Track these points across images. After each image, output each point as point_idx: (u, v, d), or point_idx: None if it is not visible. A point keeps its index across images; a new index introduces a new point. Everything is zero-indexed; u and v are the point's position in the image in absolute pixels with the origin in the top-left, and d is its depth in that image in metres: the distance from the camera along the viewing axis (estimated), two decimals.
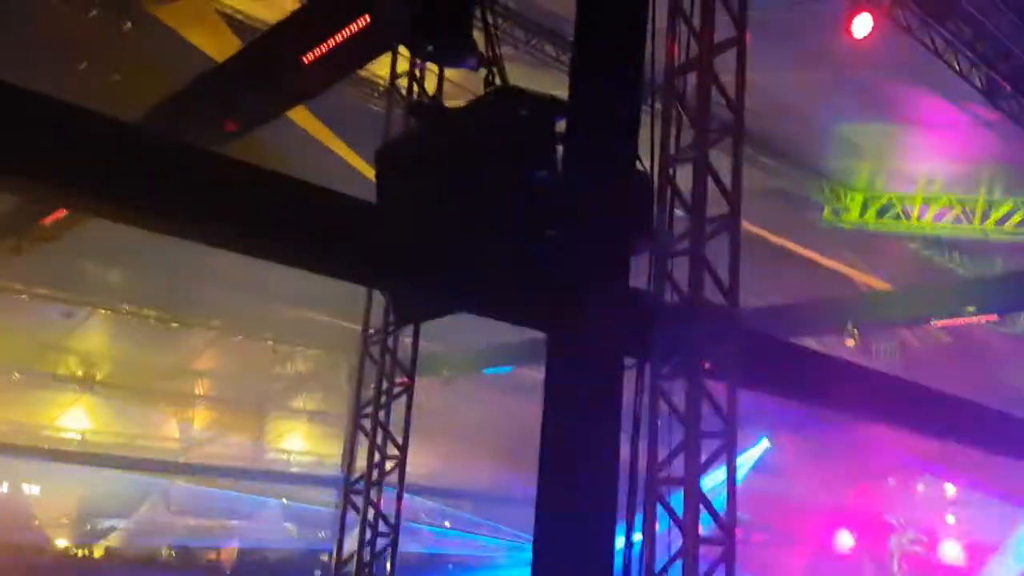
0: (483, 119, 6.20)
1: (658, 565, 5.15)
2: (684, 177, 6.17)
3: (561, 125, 5.80)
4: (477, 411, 18.22)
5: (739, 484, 5.75)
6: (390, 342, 8.00)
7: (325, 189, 5.83)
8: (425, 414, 16.57)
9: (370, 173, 6.17)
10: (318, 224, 5.60)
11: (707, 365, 5.34)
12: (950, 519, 18.07)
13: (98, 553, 16.60)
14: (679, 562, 5.13)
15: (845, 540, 18.13)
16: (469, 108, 6.25)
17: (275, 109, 8.48)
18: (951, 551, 17.57)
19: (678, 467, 5.25)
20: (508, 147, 6.09)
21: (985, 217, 12.76)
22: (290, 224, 5.56)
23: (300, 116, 10.02)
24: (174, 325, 16.21)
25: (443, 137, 6.34)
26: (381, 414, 7.94)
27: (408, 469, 7.83)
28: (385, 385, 7.94)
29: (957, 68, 9.03)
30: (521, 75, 6.43)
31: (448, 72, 8.10)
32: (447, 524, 20.64)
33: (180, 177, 5.29)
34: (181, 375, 18.29)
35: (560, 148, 5.96)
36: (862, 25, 8.40)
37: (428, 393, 15.64)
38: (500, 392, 16.84)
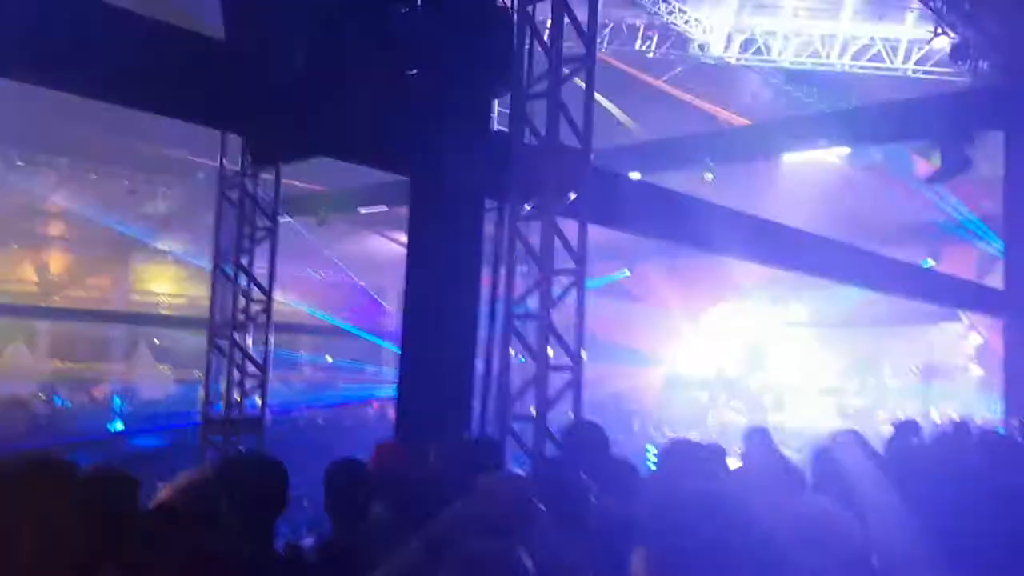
0: None
1: (514, 390, 5.53)
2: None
3: None
4: (356, 249, 18.22)
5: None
6: (249, 184, 7.78)
7: (168, 24, 5.46)
8: (303, 254, 16.43)
9: None
10: (161, 63, 5.26)
11: (560, 206, 5.54)
12: None
13: None
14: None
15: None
16: None
17: None
18: None
19: (534, 303, 5.55)
20: None
21: (844, 51, 13.19)
22: (131, 64, 5.21)
23: None
24: (19, 163, 15.13)
25: None
26: (245, 259, 7.81)
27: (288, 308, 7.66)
28: (247, 229, 7.79)
29: None
30: None
31: None
32: (328, 359, 21.07)
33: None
34: (32, 216, 17.32)
35: None
36: None
37: (305, 233, 15.41)
38: (381, 230, 16.83)
